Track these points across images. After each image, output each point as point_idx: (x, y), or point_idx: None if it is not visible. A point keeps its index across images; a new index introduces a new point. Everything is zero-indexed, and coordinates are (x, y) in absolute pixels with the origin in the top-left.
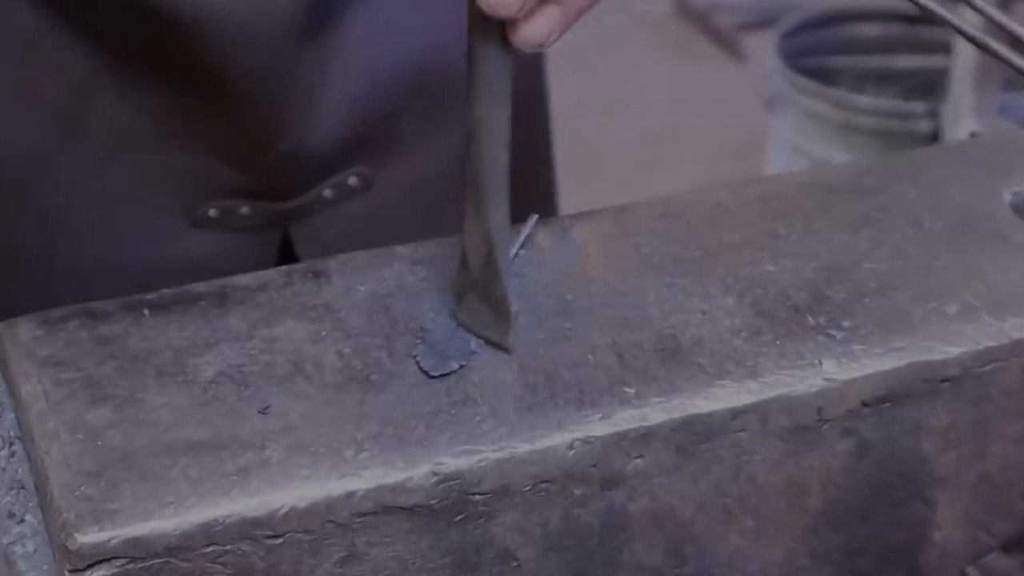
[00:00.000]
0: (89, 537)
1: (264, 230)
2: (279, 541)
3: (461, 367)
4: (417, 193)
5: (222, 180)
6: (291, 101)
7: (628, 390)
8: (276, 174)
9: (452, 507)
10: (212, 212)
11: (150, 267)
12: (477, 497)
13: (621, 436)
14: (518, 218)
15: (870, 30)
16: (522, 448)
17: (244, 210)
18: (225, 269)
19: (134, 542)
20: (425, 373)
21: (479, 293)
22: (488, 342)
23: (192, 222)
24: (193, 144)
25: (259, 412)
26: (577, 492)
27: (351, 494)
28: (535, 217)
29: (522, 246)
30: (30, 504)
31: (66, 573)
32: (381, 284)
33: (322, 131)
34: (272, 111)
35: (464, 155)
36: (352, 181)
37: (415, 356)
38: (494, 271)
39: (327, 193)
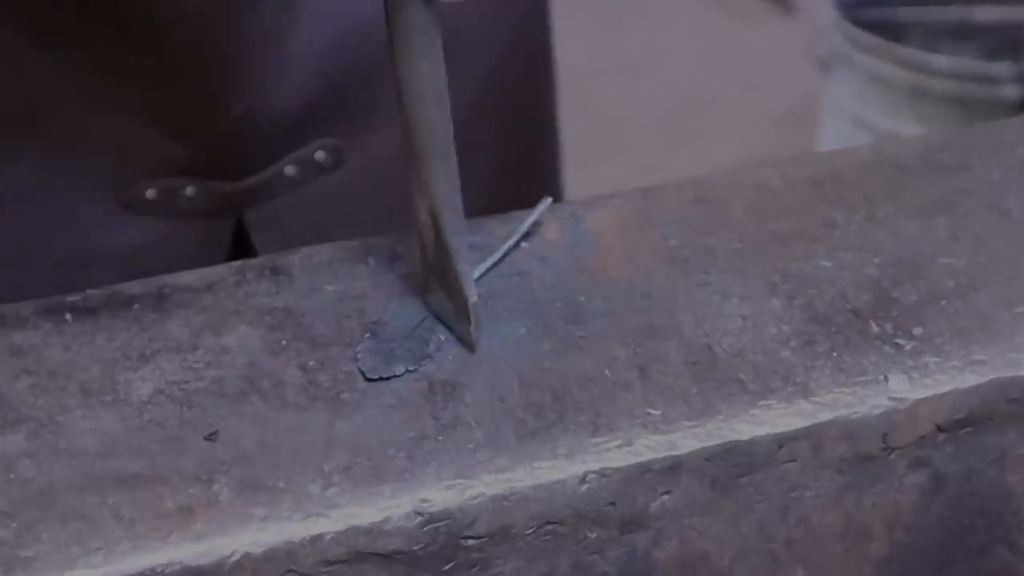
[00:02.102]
0: None
1: (213, 216)
2: None
3: (408, 371)
4: (396, 170)
5: (161, 154)
6: (246, 57)
7: (653, 412)
8: (227, 147)
9: (439, 553)
10: (149, 194)
11: (73, 261)
12: (470, 541)
13: (644, 468)
14: (513, 204)
15: None
16: (524, 482)
17: (189, 191)
18: (165, 263)
19: None
20: (362, 374)
21: (438, 280)
22: (458, 338)
23: (125, 206)
24: (125, 110)
25: (205, 439)
26: (591, 535)
27: (317, 538)
28: (548, 200)
29: (526, 235)
30: None
31: None
32: (353, 284)
33: (283, 94)
34: (223, 69)
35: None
36: (319, 156)
37: (356, 352)
38: (445, 254)
39: (289, 170)
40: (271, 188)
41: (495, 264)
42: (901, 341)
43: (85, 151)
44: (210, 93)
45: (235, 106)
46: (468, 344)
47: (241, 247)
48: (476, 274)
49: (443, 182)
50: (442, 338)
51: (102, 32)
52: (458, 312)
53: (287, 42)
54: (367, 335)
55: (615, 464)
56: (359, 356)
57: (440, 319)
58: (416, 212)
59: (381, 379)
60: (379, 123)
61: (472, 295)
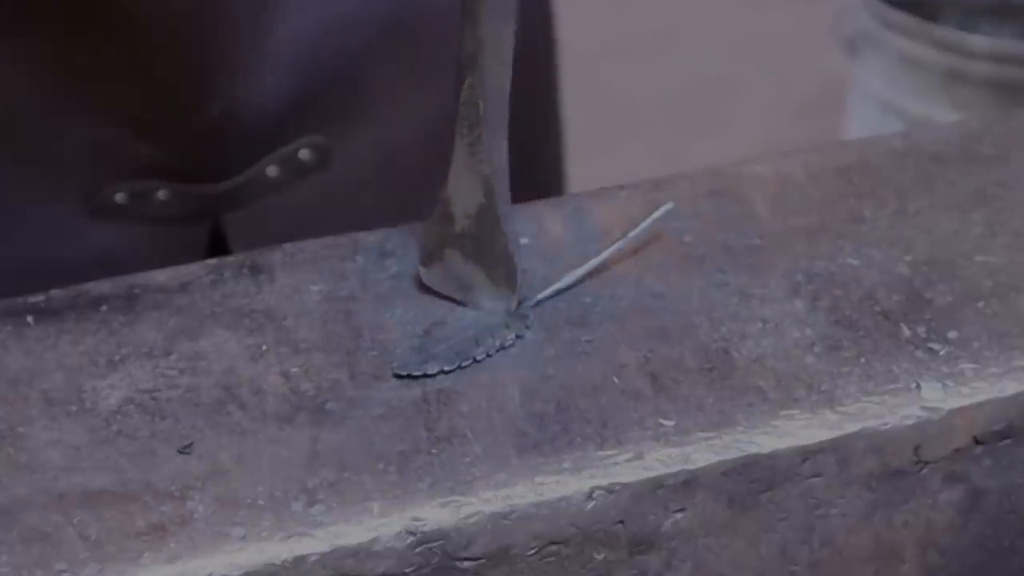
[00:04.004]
0: None
1: (188, 221)
2: None
3: (443, 372)
4: (387, 169)
5: (132, 155)
6: (223, 51)
7: (665, 423)
8: (204, 147)
9: None
10: (119, 197)
11: (36, 271)
12: (466, 563)
13: (656, 483)
14: (512, 196)
15: None
16: (526, 499)
17: (162, 195)
18: (136, 272)
19: None
20: (394, 373)
21: (466, 250)
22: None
23: (94, 211)
24: (93, 108)
25: (179, 452)
26: (598, 557)
27: (300, 560)
28: (669, 205)
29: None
30: None
31: None
32: (339, 283)
33: (264, 89)
34: (198, 63)
35: (455, 88)
36: (303, 155)
37: (396, 348)
38: (492, 222)
39: (271, 171)
40: (251, 190)
41: (588, 274)
42: (935, 346)
43: (49, 152)
44: (185, 89)
45: (212, 103)
46: (509, 312)
47: (218, 255)
48: (569, 281)
49: (500, 151)
50: (497, 344)
51: (68, 25)
52: (497, 282)
53: (266, 35)
54: (421, 333)
55: (624, 479)
56: (398, 351)
57: (443, 293)
58: (455, 180)
59: (410, 376)
60: (367, 118)
61: (520, 262)
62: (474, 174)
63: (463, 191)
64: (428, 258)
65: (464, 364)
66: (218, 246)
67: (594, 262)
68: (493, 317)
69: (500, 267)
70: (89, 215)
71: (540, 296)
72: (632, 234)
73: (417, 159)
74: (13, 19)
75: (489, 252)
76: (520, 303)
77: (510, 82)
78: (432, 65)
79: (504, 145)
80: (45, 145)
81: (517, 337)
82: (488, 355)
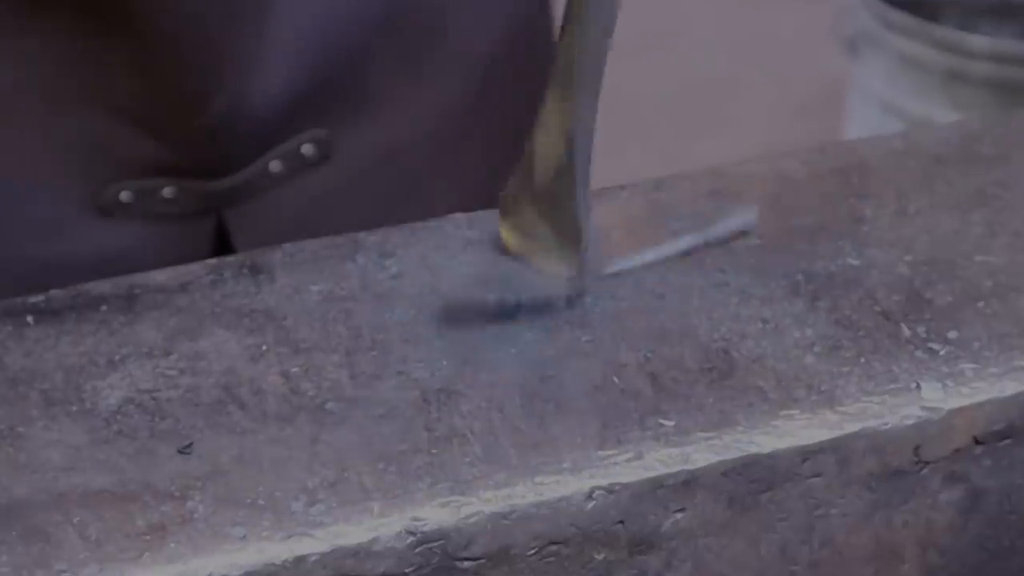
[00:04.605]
0: None
1: (193, 218)
2: None
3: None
4: (390, 164)
5: (137, 152)
6: (227, 45)
7: (666, 423)
8: (208, 143)
9: None
10: (124, 196)
11: (41, 270)
12: (466, 563)
13: (656, 483)
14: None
15: None
16: (525, 499)
17: (167, 192)
18: (141, 270)
19: None
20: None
21: (541, 208)
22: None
23: (98, 209)
24: (98, 105)
25: (179, 451)
26: (598, 557)
27: (300, 560)
28: (755, 209)
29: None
30: None
31: None
32: (340, 283)
33: (268, 84)
34: (203, 58)
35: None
36: (306, 149)
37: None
38: (568, 183)
39: (274, 166)
40: (255, 186)
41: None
42: (935, 346)
43: (54, 151)
44: (191, 85)
45: (217, 99)
46: (567, 283)
47: (223, 252)
48: (639, 262)
49: (589, 108)
50: (545, 297)
51: (72, 22)
52: (562, 247)
53: (269, 28)
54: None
55: (624, 479)
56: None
57: (518, 252)
58: (540, 132)
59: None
60: (370, 113)
61: (589, 231)
62: (559, 127)
63: (547, 146)
64: (505, 212)
65: (516, 301)
66: (222, 243)
67: (669, 248)
68: (552, 279)
69: (567, 232)
70: (94, 214)
71: (608, 270)
72: (712, 233)
73: (420, 153)
74: (16, 15)
75: (561, 212)
76: (585, 273)
77: (609, 45)
78: (434, 60)
79: (595, 105)
80: (50, 144)
81: (569, 301)
82: (534, 303)
